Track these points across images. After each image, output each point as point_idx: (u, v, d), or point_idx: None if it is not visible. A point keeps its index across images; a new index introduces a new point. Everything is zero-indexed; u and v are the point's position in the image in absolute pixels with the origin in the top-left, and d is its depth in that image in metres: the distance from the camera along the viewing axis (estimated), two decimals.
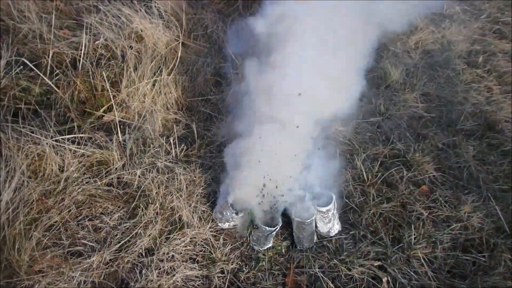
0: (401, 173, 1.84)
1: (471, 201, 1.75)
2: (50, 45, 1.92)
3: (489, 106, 2.31)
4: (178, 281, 1.41)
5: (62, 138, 1.58)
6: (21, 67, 1.86)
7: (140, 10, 2.11)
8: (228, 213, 1.56)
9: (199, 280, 1.44)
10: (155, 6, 2.15)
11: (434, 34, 2.83)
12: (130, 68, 1.90)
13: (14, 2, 2.19)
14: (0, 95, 1.71)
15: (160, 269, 1.41)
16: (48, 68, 1.90)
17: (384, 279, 1.44)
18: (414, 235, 1.61)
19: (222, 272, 1.47)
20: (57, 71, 1.92)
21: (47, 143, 1.52)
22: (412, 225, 1.63)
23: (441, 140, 2.04)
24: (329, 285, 1.43)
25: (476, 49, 2.77)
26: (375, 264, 1.51)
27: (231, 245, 1.54)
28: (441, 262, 1.56)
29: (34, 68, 1.80)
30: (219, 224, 1.58)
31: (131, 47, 2.00)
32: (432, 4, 3.24)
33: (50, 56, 1.91)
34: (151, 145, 1.75)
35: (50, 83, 1.81)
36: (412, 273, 1.51)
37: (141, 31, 2.07)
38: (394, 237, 1.63)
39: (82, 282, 1.35)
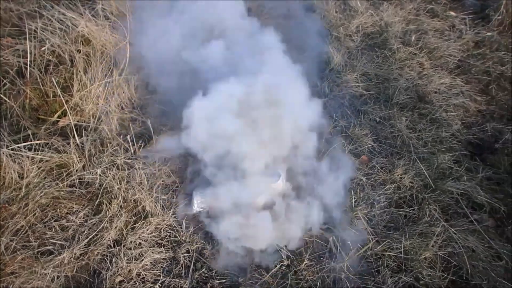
0: (343, 146, 2.04)
1: (403, 164, 1.99)
2: None
3: (420, 80, 2.57)
4: (147, 265, 1.53)
5: (18, 147, 1.63)
6: None
7: (85, 12, 2.14)
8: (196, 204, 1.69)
9: (167, 262, 1.57)
10: (100, 8, 2.18)
11: (373, 17, 3.04)
12: (80, 72, 1.95)
13: None
14: None
15: (128, 256, 1.53)
16: None
17: (330, 239, 1.64)
18: (355, 198, 1.82)
19: (188, 252, 1.61)
20: (4, 81, 1.94)
21: (3, 153, 1.57)
22: (352, 191, 1.85)
23: (378, 114, 2.27)
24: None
25: (411, 28, 3.02)
26: (324, 227, 1.71)
27: (194, 227, 1.68)
28: (378, 218, 1.79)
29: None
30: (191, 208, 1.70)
31: (79, 51, 2.04)
32: None
33: None
34: (109, 144, 1.83)
35: None
36: (354, 231, 1.73)
37: (88, 34, 2.11)
38: (339, 203, 1.83)
39: (56, 278, 1.45)
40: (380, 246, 1.69)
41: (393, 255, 1.67)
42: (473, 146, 2.28)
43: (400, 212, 1.83)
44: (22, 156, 1.61)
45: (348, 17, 2.93)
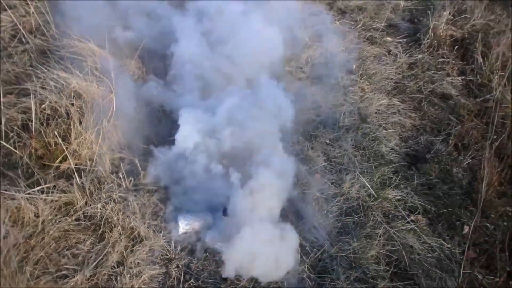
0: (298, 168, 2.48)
1: (350, 179, 2.45)
2: (1, 113, 2.28)
3: (362, 103, 3.05)
4: (145, 280, 1.91)
5: (33, 191, 1.99)
6: None
7: (76, 72, 2.52)
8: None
9: (161, 276, 1.95)
10: (88, 66, 2.57)
11: (320, 49, 3.54)
12: (75, 122, 2.33)
13: None
14: None
15: (130, 274, 1.90)
16: (3, 133, 2.27)
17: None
18: (312, 210, 2.26)
19: (178, 266, 2.00)
20: (11, 134, 2.29)
21: (21, 197, 1.93)
22: (309, 205, 2.29)
23: (328, 137, 2.73)
24: None
25: (352, 57, 3.53)
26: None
27: (181, 246, 2.07)
28: (332, 226, 2.22)
29: None
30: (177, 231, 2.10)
31: (72, 105, 2.41)
32: (318, 20, 3.98)
33: (3, 123, 2.28)
34: (105, 182, 2.21)
35: (9, 147, 2.19)
36: (312, 238, 2.16)
37: (79, 89, 2.49)
38: (299, 215, 2.26)
39: None
40: (334, 248, 2.12)
41: (345, 256, 2.10)
42: (410, 157, 2.76)
43: (350, 219, 2.27)
44: (36, 198, 1.97)
45: (299, 51, 3.40)
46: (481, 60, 3.46)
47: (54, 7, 3.08)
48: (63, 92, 2.44)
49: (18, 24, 2.97)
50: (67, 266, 1.89)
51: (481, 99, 3.25)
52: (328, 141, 2.70)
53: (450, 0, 4.18)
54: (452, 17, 3.98)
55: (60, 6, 3.03)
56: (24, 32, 2.99)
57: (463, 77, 3.47)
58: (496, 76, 3.33)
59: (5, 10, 3.19)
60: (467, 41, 3.78)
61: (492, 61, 3.37)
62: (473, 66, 3.51)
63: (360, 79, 3.25)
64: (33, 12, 3.11)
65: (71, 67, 2.53)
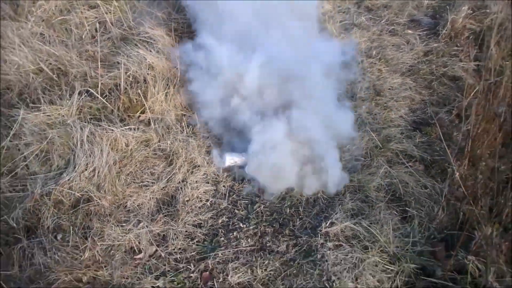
0: None
1: (360, 133, 3.03)
2: (99, 80, 3.12)
3: (378, 81, 3.62)
4: (201, 192, 2.62)
5: (124, 128, 2.78)
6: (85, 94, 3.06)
7: (150, 50, 3.34)
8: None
9: (212, 191, 2.66)
10: (157, 46, 3.38)
11: (345, 39, 4.15)
12: (151, 86, 3.12)
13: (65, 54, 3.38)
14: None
15: (190, 187, 2.62)
16: (99, 92, 3.10)
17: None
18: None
19: (224, 186, 2.69)
20: (106, 93, 3.13)
21: (117, 132, 2.72)
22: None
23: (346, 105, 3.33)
24: None
25: (374, 45, 4.11)
26: None
27: (227, 173, 2.77)
28: (344, 167, 2.82)
29: (95, 94, 3.00)
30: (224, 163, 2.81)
31: (148, 74, 3.22)
32: (345, 16, 4.60)
33: (99, 87, 3.12)
34: (172, 128, 2.97)
35: (105, 102, 3.02)
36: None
37: (152, 63, 3.29)
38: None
39: (150, 198, 2.55)
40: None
41: (352, 185, 2.70)
42: (416, 123, 3.29)
43: (359, 162, 2.87)
44: (127, 134, 2.76)
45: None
46: (494, 48, 3.90)
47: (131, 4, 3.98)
48: (141, 65, 3.25)
49: (105, 15, 3.85)
50: (147, 179, 2.65)
51: (490, 81, 3.70)
52: None
53: None
54: (471, 11, 4.44)
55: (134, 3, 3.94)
56: (108, 24, 3.88)
57: (475, 63, 3.92)
58: (507, 62, 3.76)
59: (91, 8, 4.12)
60: (484, 33, 4.22)
61: (505, 49, 3.80)
62: (486, 54, 3.95)
63: (378, 61, 3.82)
64: (114, 8, 4.01)
65: (146, 46, 3.35)
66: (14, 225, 2.31)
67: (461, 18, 4.18)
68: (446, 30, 4.22)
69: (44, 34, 3.48)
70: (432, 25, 4.50)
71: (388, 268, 2.25)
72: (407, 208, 2.55)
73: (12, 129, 2.75)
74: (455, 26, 4.25)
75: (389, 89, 3.57)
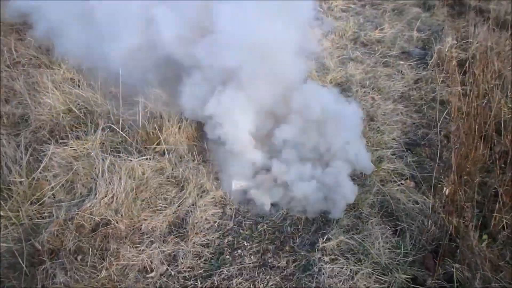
0: None
1: None
2: (120, 116, 3.52)
3: (372, 108, 3.93)
4: (209, 215, 2.90)
5: (141, 158, 3.14)
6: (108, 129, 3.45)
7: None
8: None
9: (219, 214, 2.94)
10: None
11: (342, 71, 4.52)
12: (165, 120, 3.50)
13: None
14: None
15: (199, 210, 2.91)
16: (120, 127, 3.49)
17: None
18: None
19: (230, 208, 2.97)
20: (126, 127, 3.51)
21: (135, 162, 3.07)
22: None
23: None
24: None
25: (368, 76, 4.46)
26: None
27: (232, 196, 3.06)
28: None
29: (117, 129, 3.39)
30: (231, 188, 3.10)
31: (164, 110, 3.61)
32: (339, 51, 5.00)
33: (120, 123, 3.52)
34: (184, 157, 3.31)
35: (125, 135, 3.40)
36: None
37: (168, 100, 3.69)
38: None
39: (163, 222, 2.84)
40: None
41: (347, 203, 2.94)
42: (407, 144, 3.55)
43: (354, 182, 3.12)
44: (143, 163, 3.11)
45: (324, 74, 4.41)
46: (479, 72, 4.19)
47: None
48: (157, 102, 3.65)
49: None
50: (161, 204, 2.96)
51: (476, 103, 3.96)
52: None
53: (456, 30, 5.01)
54: (455, 41, 4.80)
55: None
56: None
57: (462, 87, 4.21)
58: (491, 86, 4.03)
59: None
60: (469, 60, 4.54)
61: (489, 74, 4.10)
62: (472, 79, 4.24)
63: (371, 90, 4.15)
64: None
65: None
66: (39, 247, 2.55)
67: (447, 48, 4.52)
68: (433, 60, 4.56)
69: (74, 79, 3.96)
70: (422, 55, 4.86)
71: (381, 279, 2.44)
72: (398, 222, 2.76)
73: (42, 162, 3.13)
74: (442, 56, 4.60)
75: (382, 114, 3.86)
